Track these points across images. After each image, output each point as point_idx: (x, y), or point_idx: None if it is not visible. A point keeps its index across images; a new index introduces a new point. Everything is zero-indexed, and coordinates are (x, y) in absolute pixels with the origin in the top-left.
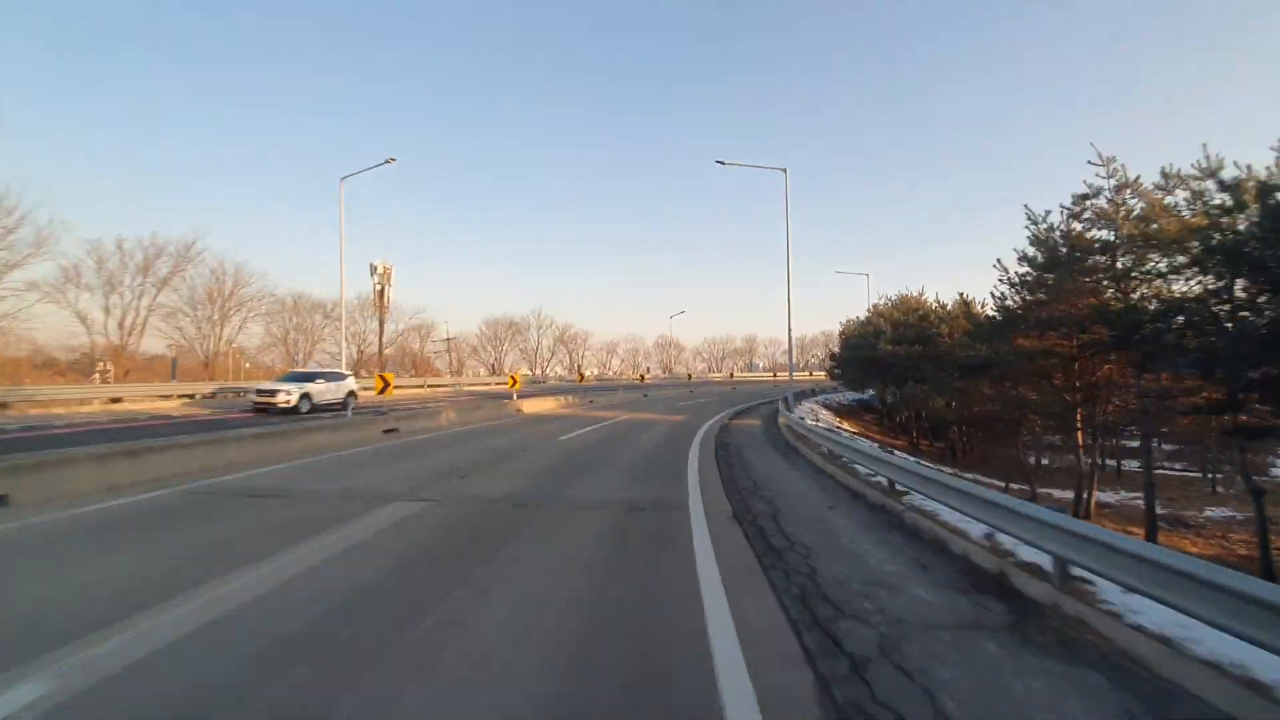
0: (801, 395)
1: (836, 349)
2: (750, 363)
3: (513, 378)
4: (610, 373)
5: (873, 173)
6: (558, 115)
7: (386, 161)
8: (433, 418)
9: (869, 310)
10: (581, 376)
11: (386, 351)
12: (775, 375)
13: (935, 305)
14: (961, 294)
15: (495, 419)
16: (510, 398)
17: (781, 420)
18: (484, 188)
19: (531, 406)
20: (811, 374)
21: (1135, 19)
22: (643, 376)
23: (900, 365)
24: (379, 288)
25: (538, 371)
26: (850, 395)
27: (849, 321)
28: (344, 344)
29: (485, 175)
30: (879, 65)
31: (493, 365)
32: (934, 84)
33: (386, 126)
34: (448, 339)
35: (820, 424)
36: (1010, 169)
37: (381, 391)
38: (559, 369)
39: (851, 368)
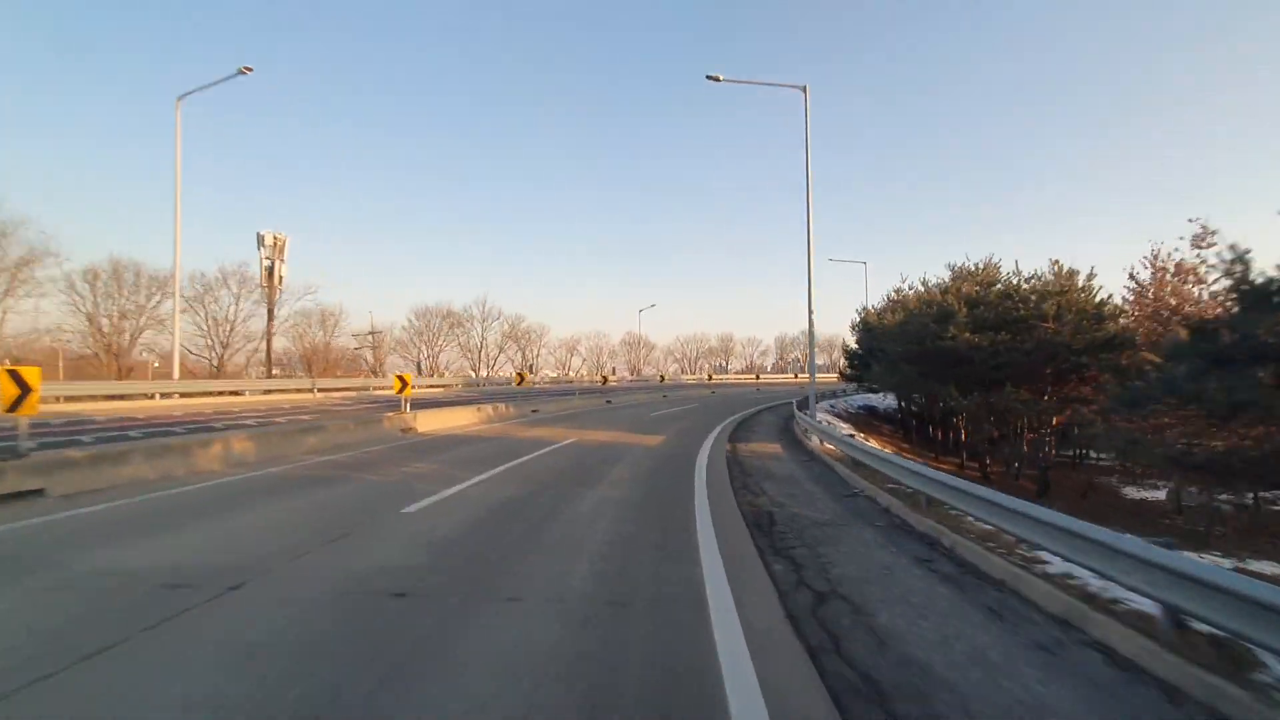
0: (803, 401)
1: (844, 347)
2: (726, 363)
3: (400, 378)
4: (571, 374)
5: (869, 167)
6: (514, 99)
7: (240, 72)
8: (179, 457)
9: (890, 295)
10: (521, 378)
11: (279, 346)
12: (758, 377)
13: (1022, 278)
14: (1056, 261)
15: (340, 449)
16: (399, 407)
17: (819, 445)
18: (433, 171)
19: (433, 422)
20: (796, 376)
21: None
22: (605, 378)
23: (984, 361)
24: (268, 264)
25: (482, 372)
26: (857, 400)
27: (868, 311)
28: (176, 328)
29: (433, 159)
30: (876, 61)
31: (419, 364)
32: (934, 79)
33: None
34: (371, 332)
35: (836, 430)
36: (1010, 167)
37: (13, 406)
38: (509, 369)
39: (886, 366)
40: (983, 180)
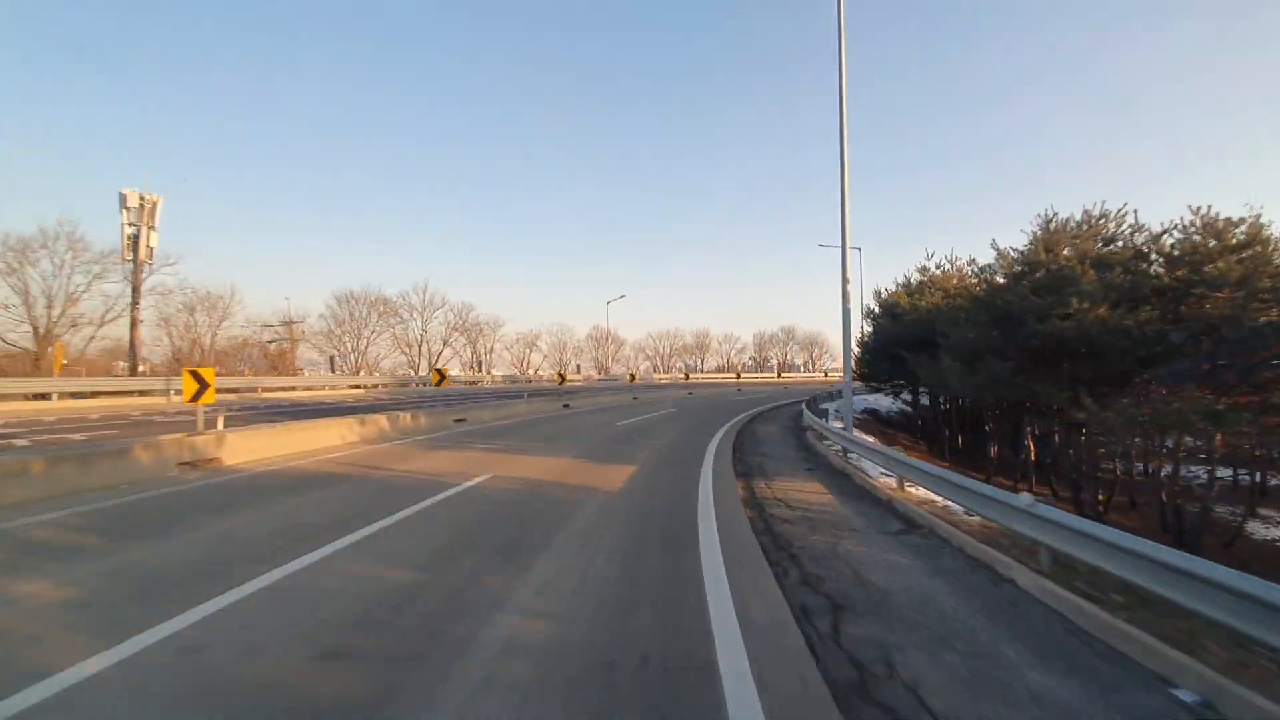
0: (815, 403)
1: (859, 341)
2: (701, 361)
3: (194, 375)
4: (532, 371)
5: (858, 160)
6: (455, 87)
7: None
8: None
9: (909, 279)
10: (440, 377)
11: (152, 336)
12: (739, 376)
13: (1148, 233)
14: (1202, 209)
15: None
16: (292, 414)
17: (897, 490)
18: (371, 159)
19: (261, 447)
20: (779, 375)
21: None
22: (563, 376)
23: (1125, 350)
24: (133, 231)
25: (423, 369)
26: (856, 401)
27: (896, 291)
28: None
29: (363, 146)
30: (876, 58)
31: (333, 360)
32: (929, 68)
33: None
34: (288, 323)
35: (862, 442)
36: (1000, 159)
37: None
38: (457, 366)
39: (959, 362)
40: (980, 172)
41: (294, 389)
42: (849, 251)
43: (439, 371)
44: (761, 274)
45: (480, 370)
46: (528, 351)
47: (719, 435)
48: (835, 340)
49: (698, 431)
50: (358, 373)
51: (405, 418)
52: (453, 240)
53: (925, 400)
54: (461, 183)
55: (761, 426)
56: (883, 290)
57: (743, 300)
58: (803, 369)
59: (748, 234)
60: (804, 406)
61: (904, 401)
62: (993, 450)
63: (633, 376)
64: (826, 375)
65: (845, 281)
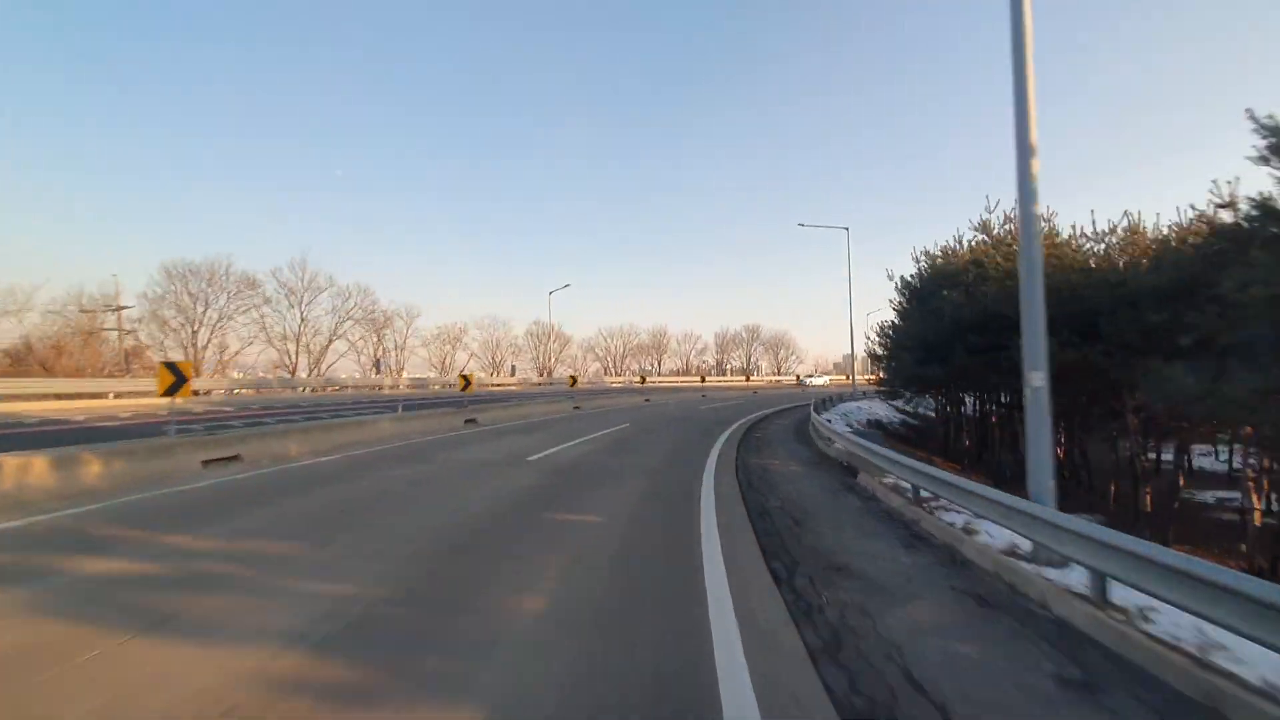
0: (807, 408)
1: (884, 328)
2: (659, 362)
3: None
4: (463, 374)
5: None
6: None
7: None
8: None
9: (964, 239)
10: (177, 380)
11: None
12: (704, 380)
13: None
14: None
15: None
16: None
17: None
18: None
19: None
20: (749, 379)
21: None
22: (467, 380)
23: None
24: None
25: (301, 371)
26: (849, 407)
27: (943, 257)
28: None
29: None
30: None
31: (127, 355)
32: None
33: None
34: (115, 306)
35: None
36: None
37: None
38: (354, 364)
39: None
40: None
41: (57, 397)
42: (795, 246)
43: (170, 368)
44: (725, 271)
45: (379, 371)
46: (452, 349)
47: (708, 487)
48: (804, 341)
49: (668, 483)
50: (196, 374)
51: (38, 465)
52: (346, 220)
53: (923, 408)
54: (353, 166)
55: (771, 462)
56: (928, 254)
57: (704, 296)
58: (756, 372)
59: (716, 231)
60: (813, 422)
61: (905, 411)
62: (1147, 496)
63: (574, 380)
64: (799, 380)
65: (1031, 177)
